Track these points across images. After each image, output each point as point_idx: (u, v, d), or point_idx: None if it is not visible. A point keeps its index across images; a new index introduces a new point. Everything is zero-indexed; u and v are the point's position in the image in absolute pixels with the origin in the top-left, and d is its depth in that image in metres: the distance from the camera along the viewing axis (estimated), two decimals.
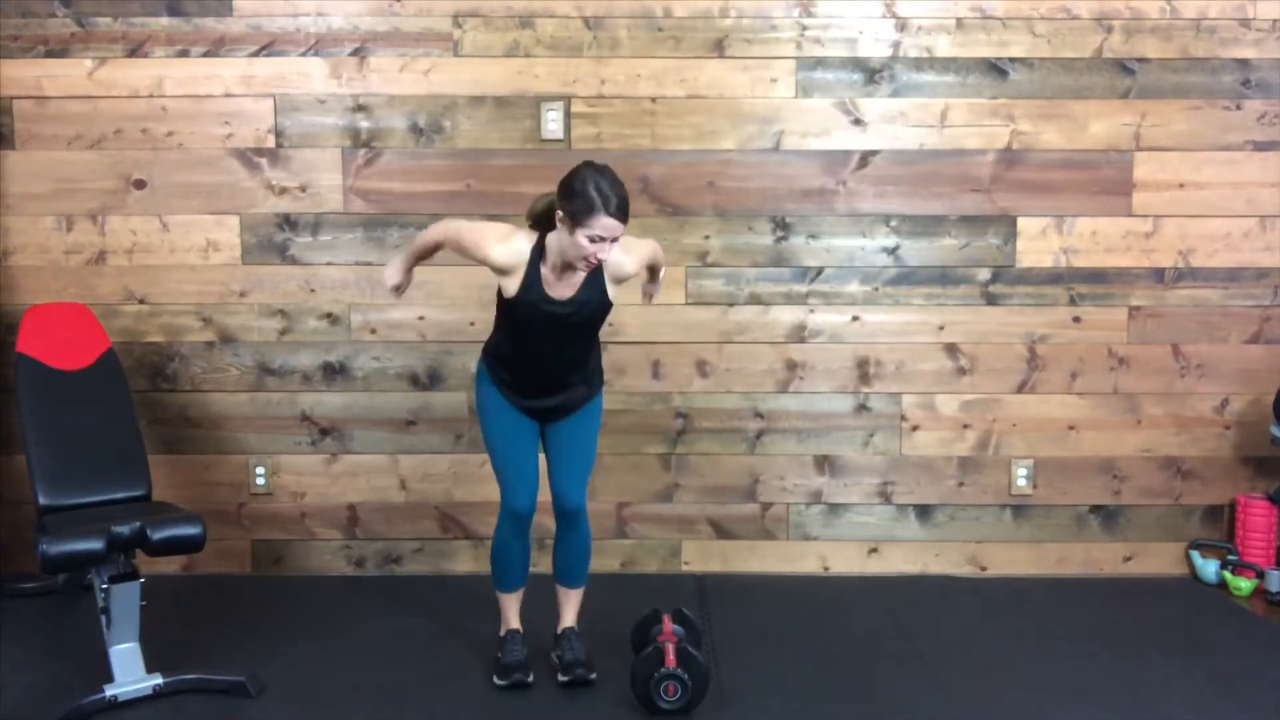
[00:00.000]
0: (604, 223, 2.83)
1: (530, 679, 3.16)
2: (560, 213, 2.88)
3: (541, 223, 3.02)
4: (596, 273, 2.98)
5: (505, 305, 3.05)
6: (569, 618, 3.31)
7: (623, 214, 2.85)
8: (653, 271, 3.31)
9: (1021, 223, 4.11)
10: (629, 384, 4.14)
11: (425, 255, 3.25)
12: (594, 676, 3.17)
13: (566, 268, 2.96)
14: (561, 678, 3.17)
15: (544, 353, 3.07)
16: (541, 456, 3.24)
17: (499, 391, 3.16)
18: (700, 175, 4.07)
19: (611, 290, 3.04)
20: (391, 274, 3.28)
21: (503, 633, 3.29)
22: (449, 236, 3.10)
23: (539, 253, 2.99)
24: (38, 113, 4.03)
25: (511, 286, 3.00)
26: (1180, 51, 4.06)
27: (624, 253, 2.99)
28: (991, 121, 4.08)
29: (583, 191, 2.84)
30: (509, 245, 2.99)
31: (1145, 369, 4.16)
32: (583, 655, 3.21)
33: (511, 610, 3.31)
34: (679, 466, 4.18)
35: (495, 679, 3.18)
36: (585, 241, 2.85)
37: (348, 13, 4.02)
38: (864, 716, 3.02)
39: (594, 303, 3.02)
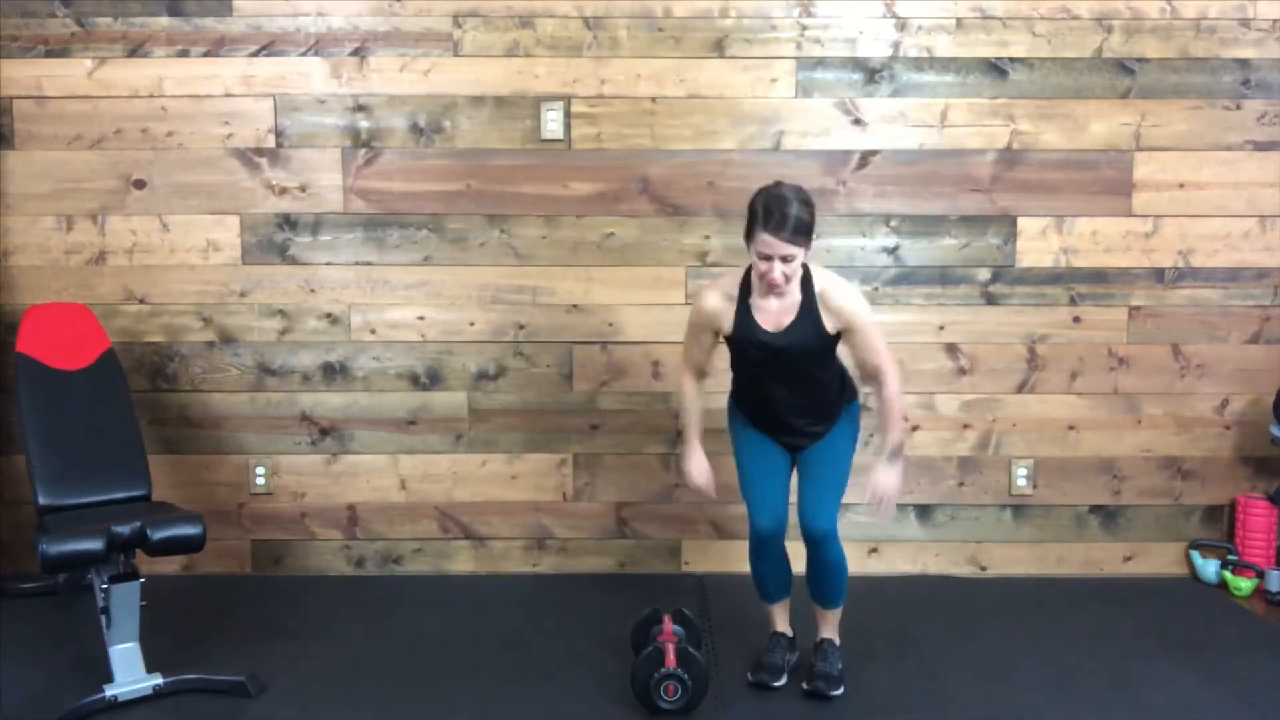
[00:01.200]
0: (762, 238, 2.85)
1: (776, 684, 3.16)
2: (748, 232, 2.93)
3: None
4: (810, 304, 2.98)
5: (729, 344, 3.09)
6: (825, 630, 3.26)
7: (780, 228, 2.84)
8: (863, 367, 3.11)
9: (1021, 223, 4.11)
10: (629, 384, 4.14)
11: (699, 371, 3.20)
12: (836, 693, 3.10)
13: (768, 296, 2.98)
14: (804, 685, 3.14)
15: (772, 387, 3.06)
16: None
17: (746, 418, 3.19)
18: (700, 175, 4.07)
19: (829, 322, 2.99)
20: (693, 469, 3.23)
21: (770, 632, 3.31)
22: (688, 338, 3.17)
23: (747, 286, 3.02)
24: (38, 113, 4.03)
25: (727, 324, 3.04)
26: (1180, 51, 4.06)
27: (832, 285, 3.00)
28: (991, 121, 4.08)
29: (750, 208, 2.91)
30: (716, 290, 3.07)
31: (1145, 369, 4.16)
32: (832, 670, 3.15)
33: (776, 616, 3.31)
34: (679, 466, 4.16)
35: (749, 675, 3.19)
36: (757, 260, 2.90)
37: (348, 13, 4.02)
38: (864, 716, 3.02)
39: (808, 335, 2.99)
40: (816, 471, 3.14)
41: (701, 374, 3.20)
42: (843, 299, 3.01)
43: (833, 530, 3.10)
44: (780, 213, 2.84)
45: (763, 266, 2.89)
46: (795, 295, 2.98)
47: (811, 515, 3.09)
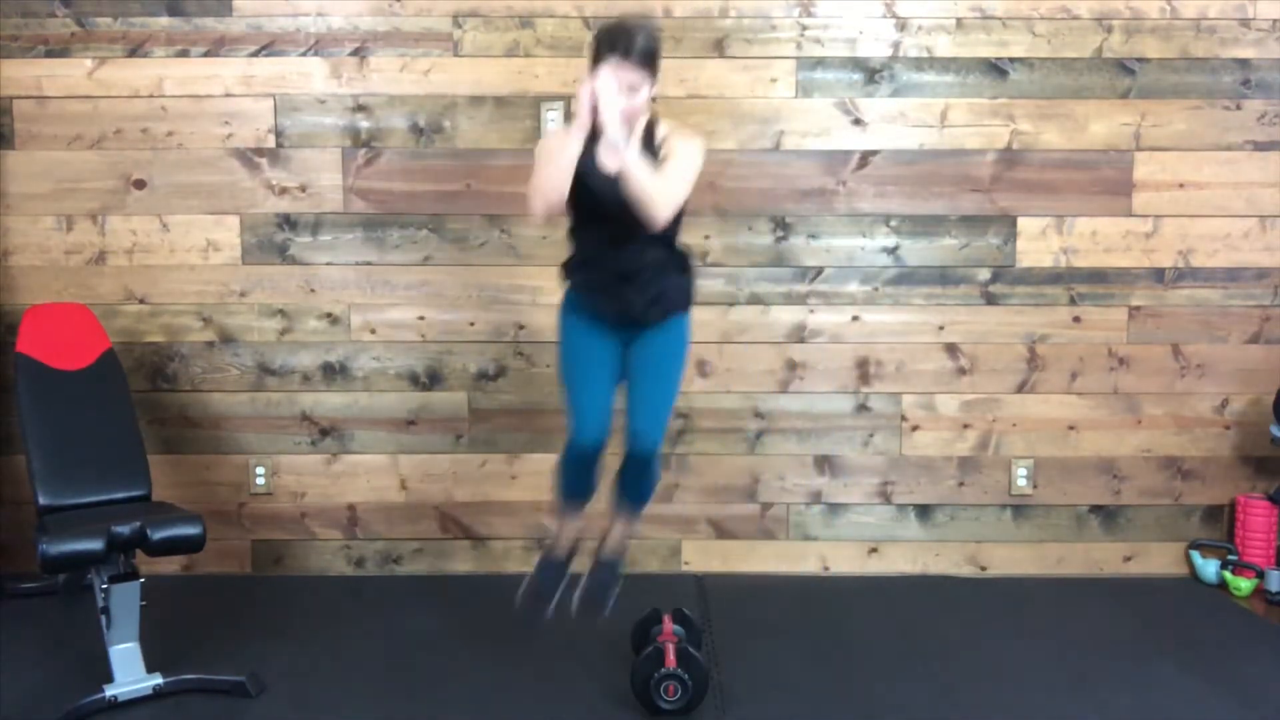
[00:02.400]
0: (609, 64, 2.77)
1: (547, 614, 3.12)
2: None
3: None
4: (651, 149, 2.86)
5: (571, 195, 2.89)
6: (615, 541, 3.21)
7: (629, 53, 2.77)
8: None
9: (1021, 223, 4.11)
10: None
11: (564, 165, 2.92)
12: (603, 615, 3.10)
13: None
14: (574, 607, 3.13)
15: (609, 241, 2.93)
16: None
17: (578, 314, 3.04)
18: (700, 175, 4.05)
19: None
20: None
21: (544, 546, 3.21)
22: (541, 154, 2.97)
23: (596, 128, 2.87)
24: (38, 113, 4.03)
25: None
26: (1180, 51, 4.06)
27: (674, 131, 2.91)
28: (991, 121, 4.08)
29: (595, 37, 2.84)
30: (560, 138, 2.90)
31: (1145, 369, 4.16)
32: (604, 590, 3.13)
33: (567, 527, 3.21)
34: (679, 466, 4.17)
35: (518, 595, 3.13)
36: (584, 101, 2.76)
37: (348, 13, 4.02)
38: (864, 716, 3.02)
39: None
40: (651, 383, 3.02)
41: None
42: (679, 135, 2.92)
43: (659, 449, 3.04)
44: (626, 37, 2.78)
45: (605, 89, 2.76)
46: (636, 139, 2.85)
47: (645, 431, 3.00)
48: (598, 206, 2.91)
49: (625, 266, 2.96)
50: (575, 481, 3.12)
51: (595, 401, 3.02)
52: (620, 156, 2.77)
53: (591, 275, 3.02)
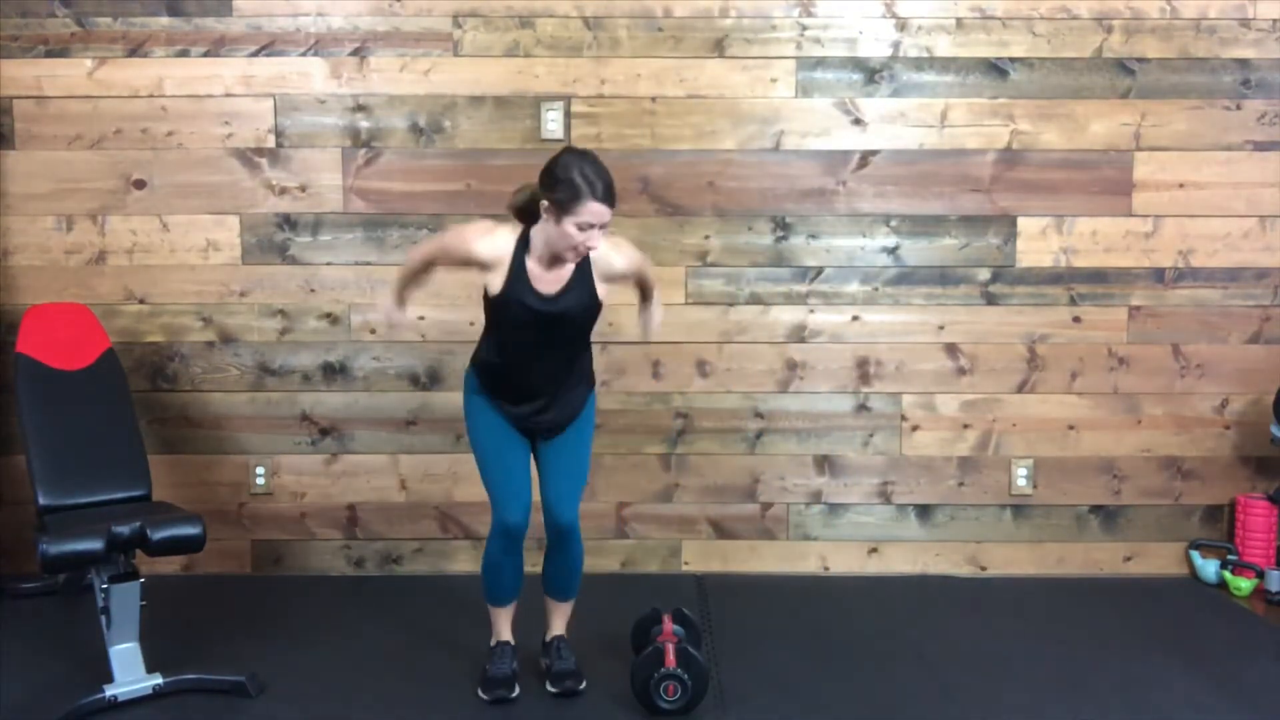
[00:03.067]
0: (592, 208, 2.76)
1: (514, 695, 3.07)
2: (545, 203, 2.81)
3: (525, 216, 2.94)
4: (585, 271, 2.91)
5: (492, 305, 2.97)
6: (558, 626, 3.25)
7: (610, 198, 2.79)
8: (644, 291, 3.17)
9: (1021, 223, 4.11)
10: (629, 384, 4.14)
11: (415, 276, 3.16)
12: (583, 687, 3.11)
13: (554, 261, 2.89)
14: (551, 688, 3.12)
15: (531, 357, 2.96)
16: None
17: (487, 401, 3.06)
18: (700, 175, 4.07)
19: (601, 290, 2.96)
20: (387, 306, 3.22)
21: (492, 643, 3.20)
22: (432, 249, 3.07)
23: (524, 246, 2.92)
24: (38, 113, 4.03)
25: (497, 283, 2.91)
26: (1180, 51, 4.06)
27: (613, 250, 2.94)
28: (991, 121, 4.08)
29: (567, 179, 2.77)
30: (493, 239, 2.92)
31: (1145, 369, 4.16)
32: (572, 665, 3.15)
33: (502, 622, 3.21)
34: (679, 466, 4.17)
35: (480, 692, 3.08)
36: (574, 230, 2.78)
37: (348, 13, 4.02)
38: (864, 716, 3.02)
39: (583, 303, 2.94)
40: (563, 462, 3.07)
41: (422, 269, 3.13)
42: (627, 255, 2.99)
43: (577, 521, 3.08)
44: (604, 181, 2.78)
45: (579, 236, 2.79)
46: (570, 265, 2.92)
47: (559, 507, 3.05)
48: (524, 327, 2.94)
49: (534, 383, 3.01)
50: (503, 572, 3.12)
51: (513, 477, 3.05)
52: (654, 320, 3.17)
53: (499, 382, 3.05)
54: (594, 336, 4.07)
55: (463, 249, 2.95)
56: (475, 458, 3.11)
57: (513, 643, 3.23)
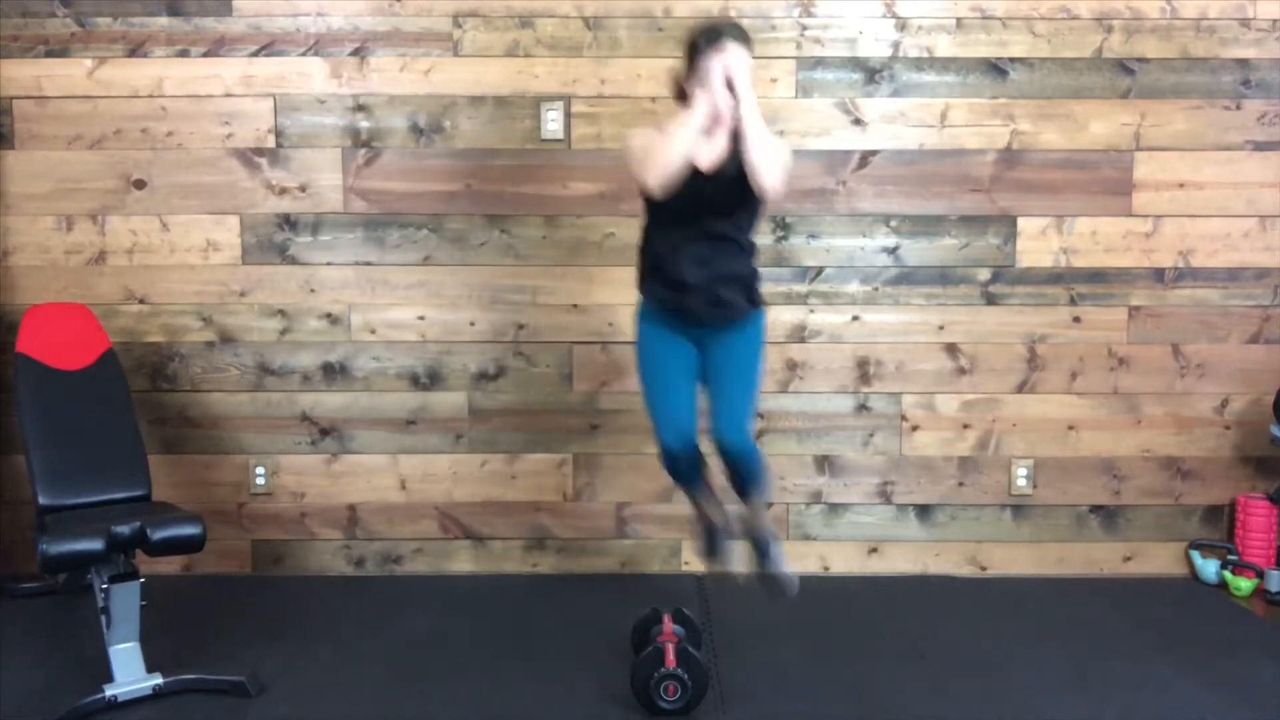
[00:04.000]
0: (728, 47, 2.91)
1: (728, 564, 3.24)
2: (689, 68, 2.98)
3: (681, 98, 3.07)
4: (738, 141, 2.95)
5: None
6: (760, 520, 3.24)
7: (742, 37, 2.94)
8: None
9: (1021, 223, 4.11)
10: (629, 384, 4.13)
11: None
12: (793, 591, 3.17)
13: (709, 133, 2.97)
14: (760, 578, 3.20)
15: (694, 235, 3.02)
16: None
17: (652, 322, 3.13)
18: None
19: None
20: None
21: (692, 520, 3.34)
22: (633, 155, 3.10)
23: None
24: (38, 113, 4.03)
25: None
26: (1180, 51, 4.06)
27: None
28: (991, 121, 4.08)
29: (696, 36, 2.98)
30: (655, 129, 3.07)
31: (1145, 369, 4.16)
32: (776, 558, 3.17)
33: (696, 500, 3.30)
34: None
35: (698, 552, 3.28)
36: (714, 85, 2.91)
37: (348, 13, 4.02)
38: (864, 716, 3.02)
39: (735, 168, 2.96)
40: (728, 383, 3.10)
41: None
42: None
43: (748, 442, 3.10)
44: (730, 23, 2.99)
45: (722, 76, 2.92)
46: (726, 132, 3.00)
47: (726, 430, 3.07)
48: (685, 204, 3.00)
49: (699, 267, 3.04)
50: (679, 474, 3.23)
51: (675, 406, 3.12)
52: (748, 117, 2.92)
53: (666, 280, 3.10)
54: (594, 336, 4.11)
55: (644, 145, 3.04)
56: (641, 385, 3.19)
57: (712, 520, 3.30)
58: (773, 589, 3.19)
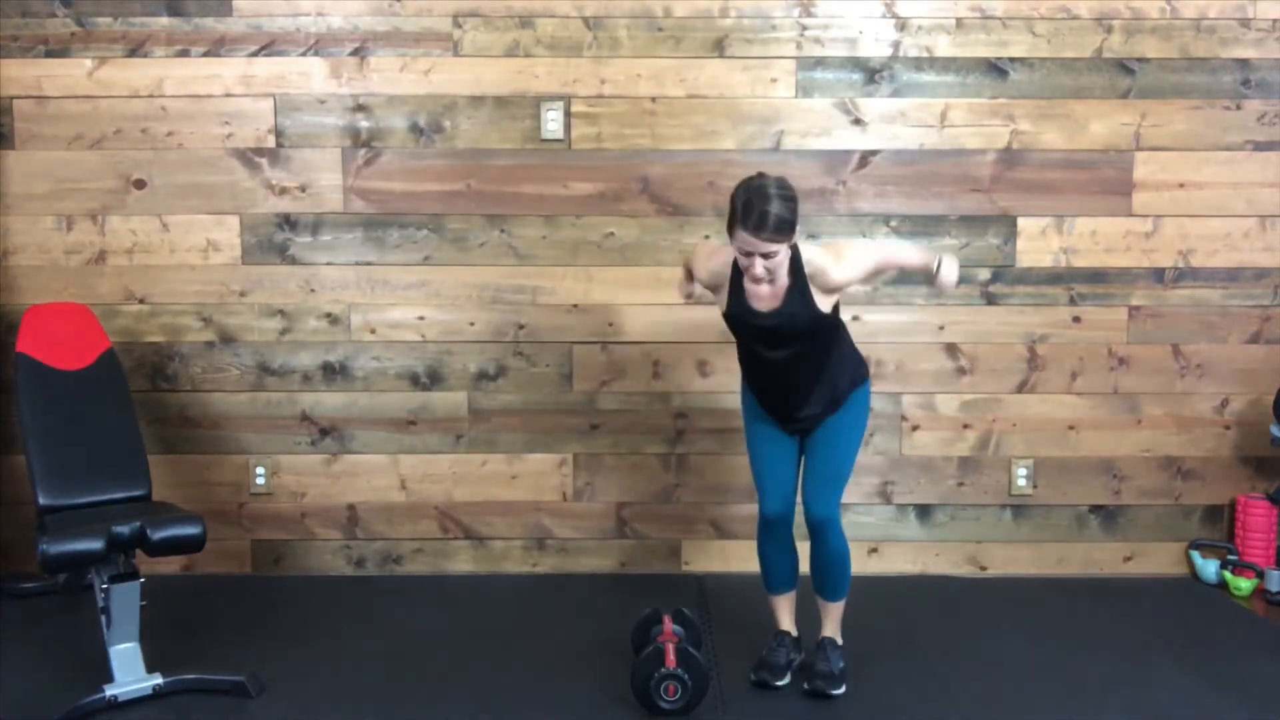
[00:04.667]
0: (743, 238, 2.82)
1: (778, 683, 3.15)
2: (729, 222, 2.89)
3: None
4: (801, 284, 2.93)
5: (726, 320, 3.08)
6: (827, 627, 3.24)
7: (763, 228, 2.78)
8: (913, 269, 3.25)
9: (1021, 223, 4.11)
10: (629, 384, 4.14)
11: (688, 282, 3.30)
12: (837, 692, 3.09)
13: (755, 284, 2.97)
14: (805, 685, 3.13)
15: (772, 366, 3.03)
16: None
17: (755, 402, 3.17)
18: (700, 175, 4.07)
19: (821, 300, 2.95)
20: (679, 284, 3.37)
21: (774, 631, 3.29)
22: (687, 265, 3.25)
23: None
24: (38, 113, 4.03)
25: (722, 300, 3.04)
26: (1180, 51, 4.06)
27: (832, 259, 2.95)
28: (991, 121, 4.08)
29: (732, 201, 2.85)
30: (712, 259, 3.05)
31: (1145, 369, 4.16)
32: (832, 668, 3.13)
33: (780, 611, 3.30)
34: (679, 466, 4.18)
35: (750, 674, 3.19)
36: (740, 255, 2.87)
37: (348, 13, 4.02)
38: (864, 716, 3.02)
39: (802, 315, 2.94)
40: (819, 457, 3.12)
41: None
42: (850, 261, 2.98)
43: (832, 516, 3.09)
44: (760, 210, 2.77)
45: (744, 262, 2.87)
46: (784, 279, 2.93)
47: (810, 500, 3.10)
48: (754, 340, 3.04)
49: (782, 391, 3.08)
50: (769, 560, 3.24)
51: (771, 469, 3.15)
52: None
53: (757, 384, 3.14)
54: (594, 336, 4.11)
55: (699, 267, 3.12)
56: (748, 451, 3.24)
57: (793, 634, 3.29)
58: (816, 681, 3.12)
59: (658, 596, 3.60)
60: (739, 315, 3.01)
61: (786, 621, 3.30)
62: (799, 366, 3.03)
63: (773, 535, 3.19)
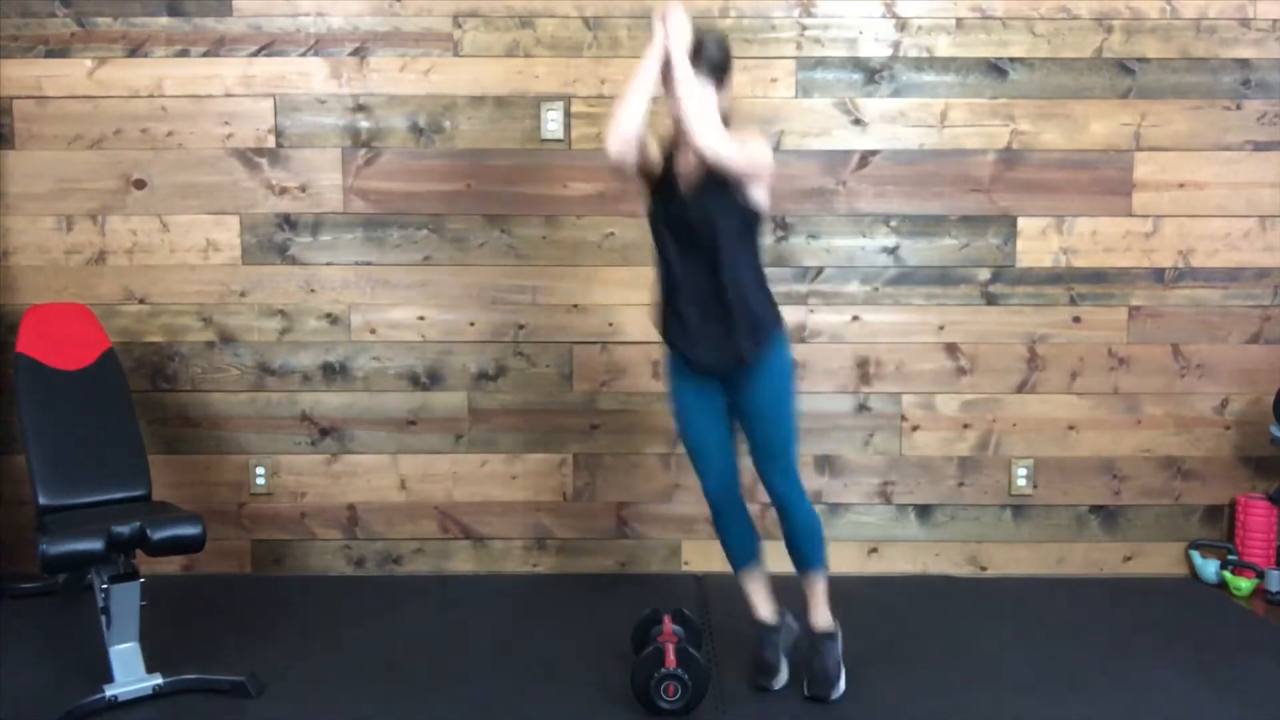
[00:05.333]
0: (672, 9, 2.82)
1: (778, 684, 3.12)
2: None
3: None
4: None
5: (650, 217, 3.02)
6: (815, 614, 3.14)
7: (697, 60, 2.82)
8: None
9: (1021, 223, 4.11)
10: (629, 384, 4.14)
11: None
12: (835, 696, 3.04)
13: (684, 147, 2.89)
14: (804, 691, 3.07)
15: (690, 277, 2.93)
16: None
17: (677, 367, 3.08)
18: None
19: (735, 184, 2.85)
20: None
21: (756, 624, 3.22)
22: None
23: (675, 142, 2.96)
24: (38, 113, 4.03)
25: (656, 162, 2.99)
26: (1180, 51, 4.06)
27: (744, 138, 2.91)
28: (991, 121, 4.08)
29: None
30: (665, 145, 3.00)
31: (1145, 369, 4.16)
32: (829, 666, 3.05)
33: (755, 596, 3.22)
34: (679, 466, 4.17)
35: (750, 680, 3.14)
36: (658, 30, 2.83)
37: (348, 13, 4.02)
38: (864, 716, 3.02)
39: (720, 192, 2.87)
40: (756, 432, 3.04)
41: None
42: (742, 137, 2.91)
43: (789, 489, 3.05)
44: (697, 42, 2.84)
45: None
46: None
47: (763, 478, 3.06)
48: (674, 233, 2.95)
49: (699, 316, 2.95)
50: (726, 536, 3.21)
51: (708, 452, 3.12)
52: (677, 65, 2.79)
53: (672, 329, 3.04)
54: (594, 336, 4.11)
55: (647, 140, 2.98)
56: (678, 434, 3.20)
57: (771, 623, 3.22)
58: (814, 686, 3.06)
59: (658, 596, 3.60)
60: (666, 185, 2.95)
61: (764, 609, 3.23)
62: (716, 275, 2.89)
63: (721, 513, 3.17)
